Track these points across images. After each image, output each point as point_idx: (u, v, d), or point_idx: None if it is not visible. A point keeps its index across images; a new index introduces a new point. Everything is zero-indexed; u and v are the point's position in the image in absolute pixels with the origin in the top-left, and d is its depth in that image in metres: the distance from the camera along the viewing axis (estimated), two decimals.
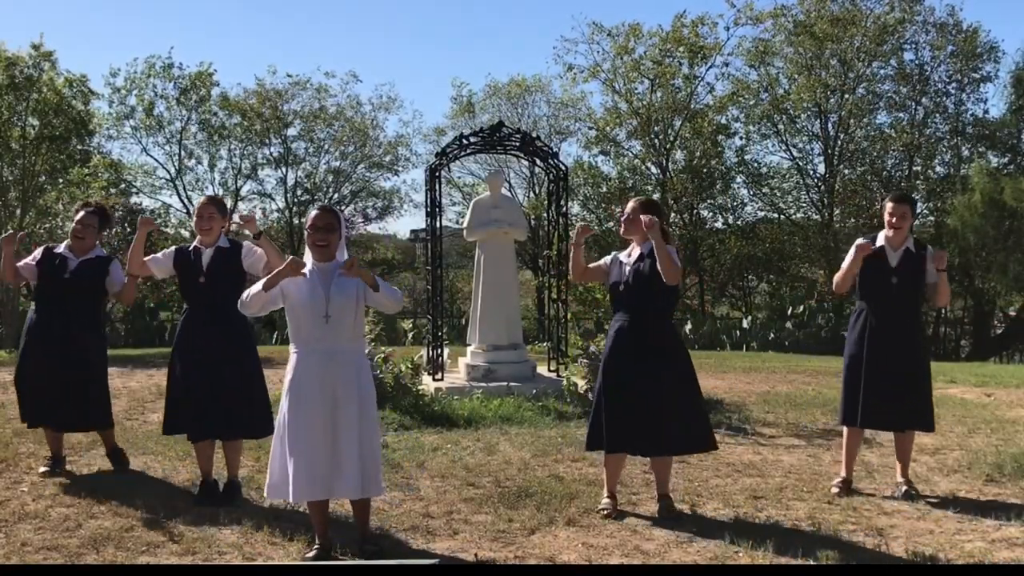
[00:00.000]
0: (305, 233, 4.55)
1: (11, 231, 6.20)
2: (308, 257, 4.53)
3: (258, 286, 4.41)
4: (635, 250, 5.31)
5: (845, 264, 5.73)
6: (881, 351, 5.57)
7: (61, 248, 6.14)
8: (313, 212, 4.54)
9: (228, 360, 5.46)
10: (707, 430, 5.34)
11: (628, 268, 5.25)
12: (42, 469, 6.13)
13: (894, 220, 5.60)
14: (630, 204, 5.37)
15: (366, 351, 4.65)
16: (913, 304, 5.72)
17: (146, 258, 5.69)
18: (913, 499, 5.51)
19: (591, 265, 5.50)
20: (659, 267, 5.04)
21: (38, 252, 6.18)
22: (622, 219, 5.35)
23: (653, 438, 5.17)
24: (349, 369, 4.41)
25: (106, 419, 6.24)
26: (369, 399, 4.49)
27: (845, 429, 5.82)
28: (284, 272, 4.33)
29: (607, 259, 5.47)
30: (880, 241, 5.68)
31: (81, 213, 6.12)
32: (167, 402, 5.72)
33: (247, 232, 5.53)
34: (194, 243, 5.64)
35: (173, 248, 5.72)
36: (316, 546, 4.51)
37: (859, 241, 5.74)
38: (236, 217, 5.51)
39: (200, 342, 5.47)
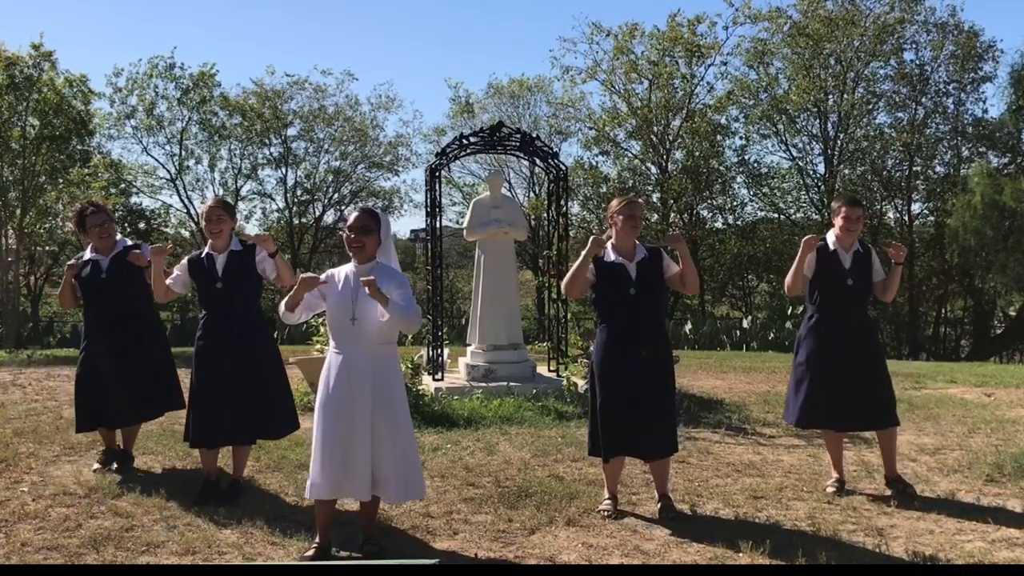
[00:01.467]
0: (343, 235, 4.57)
1: (73, 262, 6.24)
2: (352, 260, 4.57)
3: (282, 306, 4.53)
4: (631, 252, 5.24)
5: (795, 263, 5.70)
6: (842, 352, 5.56)
7: (88, 254, 6.16)
8: (353, 213, 4.55)
9: (252, 365, 5.45)
10: (676, 432, 5.37)
11: (632, 271, 5.19)
12: (95, 466, 6.18)
13: (850, 224, 5.62)
14: (628, 206, 5.26)
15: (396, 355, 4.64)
16: (865, 304, 5.79)
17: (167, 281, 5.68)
18: (909, 497, 5.51)
19: None
20: (686, 279, 5.19)
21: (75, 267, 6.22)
22: (628, 223, 5.21)
23: (659, 440, 5.18)
24: (370, 371, 4.41)
25: (178, 402, 6.26)
26: (392, 403, 4.46)
27: (824, 433, 5.85)
28: (300, 290, 4.42)
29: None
30: (832, 243, 5.68)
31: (90, 214, 6.10)
32: (193, 411, 5.55)
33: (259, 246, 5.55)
34: (205, 249, 5.61)
35: (185, 260, 5.68)
36: (315, 544, 4.51)
37: (807, 238, 5.72)
38: (252, 235, 5.56)
39: (223, 349, 5.45)
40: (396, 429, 4.47)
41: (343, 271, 4.55)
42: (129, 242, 6.27)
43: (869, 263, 5.70)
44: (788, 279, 5.78)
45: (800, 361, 5.74)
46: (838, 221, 5.68)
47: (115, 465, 6.20)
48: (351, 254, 4.51)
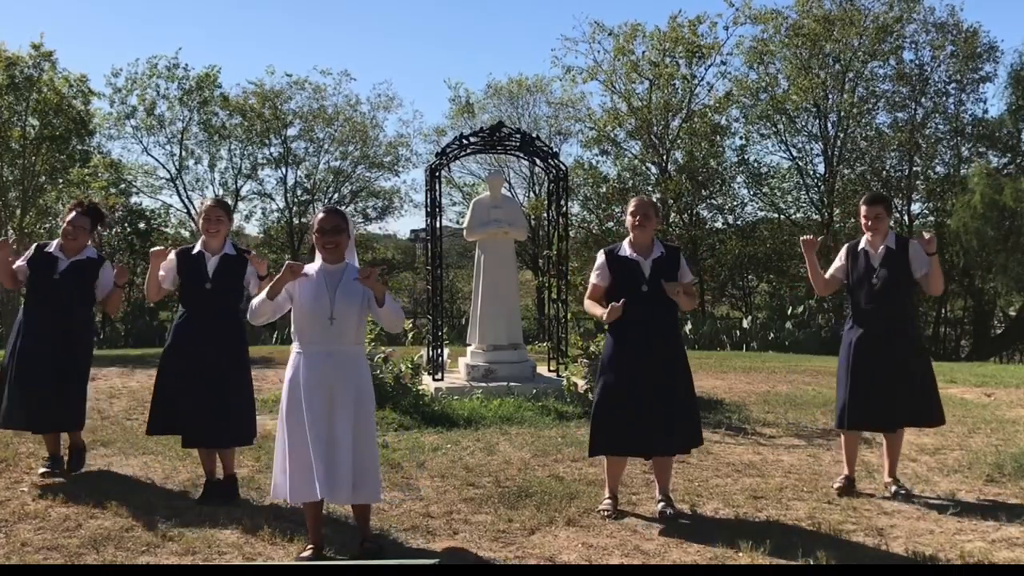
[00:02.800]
0: (313, 236, 4.54)
1: (3, 237, 6.12)
2: (317, 258, 4.54)
3: (263, 295, 4.44)
4: (647, 248, 5.25)
5: (808, 267, 5.80)
6: (870, 353, 5.56)
7: (52, 247, 6.05)
8: (320, 215, 4.51)
9: (225, 367, 5.45)
10: (699, 425, 5.40)
11: (647, 268, 5.19)
12: (41, 470, 6.11)
13: (869, 222, 5.63)
14: (635, 204, 5.29)
15: (366, 352, 4.64)
16: (899, 302, 5.67)
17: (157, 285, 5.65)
18: (904, 498, 5.52)
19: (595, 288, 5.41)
20: (683, 306, 5.25)
21: (30, 251, 6.13)
22: (634, 220, 5.24)
23: (664, 437, 5.17)
24: (349, 371, 4.41)
25: (78, 421, 6.12)
26: (367, 402, 4.48)
27: (842, 432, 5.84)
28: (284, 278, 4.36)
29: (599, 269, 5.34)
30: (862, 244, 5.70)
31: (72, 214, 6.03)
32: (154, 402, 5.64)
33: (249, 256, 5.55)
34: (198, 246, 5.60)
35: (173, 254, 5.62)
36: (310, 546, 4.51)
37: (804, 239, 5.78)
38: (251, 254, 5.59)
39: (198, 348, 5.44)
40: (371, 429, 4.50)
41: (310, 269, 4.49)
42: (95, 254, 6.14)
43: (904, 260, 5.60)
44: (811, 279, 5.88)
45: (839, 363, 5.79)
46: (861, 220, 5.71)
47: (59, 468, 6.11)
48: (323, 255, 4.49)
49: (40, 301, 5.99)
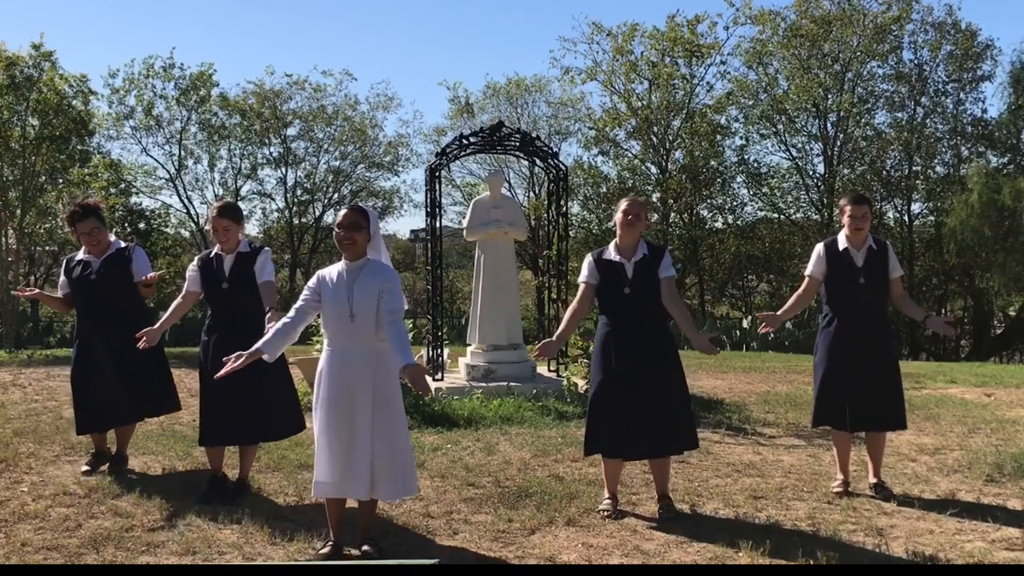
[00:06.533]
0: (334, 234, 4.60)
1: (31, 290, 6.41)
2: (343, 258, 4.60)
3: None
4: (631, 250, 5.26)
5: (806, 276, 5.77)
6: (857, 353, 5.54)
7: (80, 255, 6.16)
8: (342, 211, 4.59)
9: (255, 365, 5.43)
10: (694, 428, 5.40)
11: (629, 269, 5.22)
12: (84, 468, 6.16)
13: (856, 221, 5.59)
14: (627, 203, 5.31)
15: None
16: (881, 302, 5.72)
17: (181, 298, 5.76)
18: (888, 500, 5.51)
19: (579, 304, 5.39)
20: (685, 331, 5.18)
21: (62, 268, 6.24)
22: (625, 218, 5.24)
23: (655, 440, 5.17)
24: (367, 369, 4.42)
25: (174, 403, 6.29)
26: (388, 400, 4.48)
27: (833, 433, 5.82)
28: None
29: (588, 268, 5.35)
30: (842, 243, 5.67)
31: (80, 223, 6.04)
32: (203, 412, 5.63)
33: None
34: (215, 250, 5.67)
35: (196, 263, 5.72)
36: (330, 542, 4.52)
37: (763, 321, 5.70)
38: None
39: (227, 349, 5.42)
40: (395, 425, 4.49)
41: (335, 270, 4.57)
42: (123, 244, 6.25)
43: (884, 260, 5.63)
44: (792, 302, 5.80)
45: (816, 362, 5.75)
46: (845, 220, 5.65)
47: (105, 467, 6.19)
48: (342, 251, 4.54)
49: (88, 305, 6.08)
